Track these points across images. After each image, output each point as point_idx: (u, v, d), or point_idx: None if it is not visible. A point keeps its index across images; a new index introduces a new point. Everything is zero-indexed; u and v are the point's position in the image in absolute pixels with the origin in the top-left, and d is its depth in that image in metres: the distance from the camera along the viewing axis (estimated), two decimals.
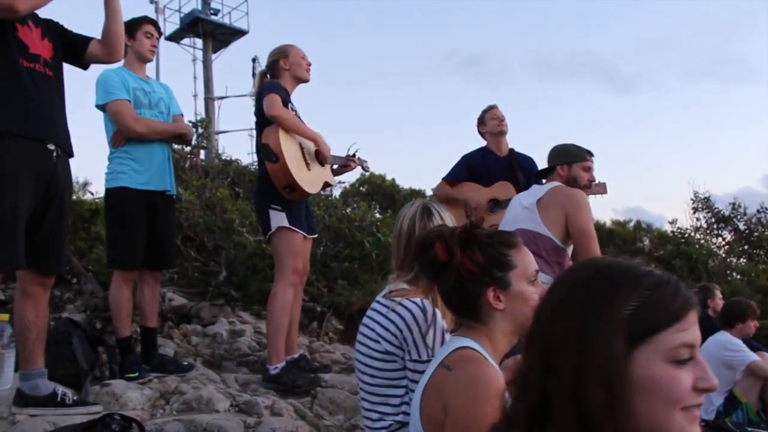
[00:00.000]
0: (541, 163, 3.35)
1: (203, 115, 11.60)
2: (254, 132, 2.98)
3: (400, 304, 1.52)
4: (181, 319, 3.84)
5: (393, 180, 8.35)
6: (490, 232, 1.29)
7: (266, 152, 2.73)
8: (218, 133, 13.10)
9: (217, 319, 3.86)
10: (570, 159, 2.55)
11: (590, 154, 2.57)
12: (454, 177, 3.46)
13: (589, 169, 2.55)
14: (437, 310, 1.48)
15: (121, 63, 2.83)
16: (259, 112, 2.82)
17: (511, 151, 3.55)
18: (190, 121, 5.17)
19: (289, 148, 2.75)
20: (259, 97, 2.82)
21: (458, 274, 1.24)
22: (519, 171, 3.46)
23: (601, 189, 3.11)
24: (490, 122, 3.55)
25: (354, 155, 3.20)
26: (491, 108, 3.60)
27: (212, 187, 5.01)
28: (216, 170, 5.94)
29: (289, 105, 2.89)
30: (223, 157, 7.07)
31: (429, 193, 8.70)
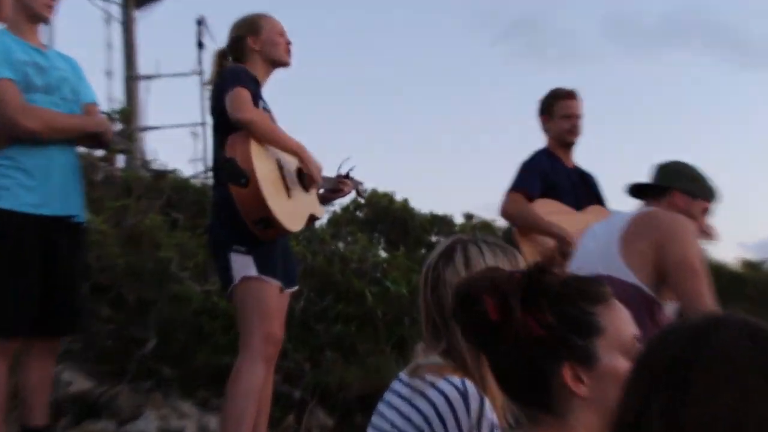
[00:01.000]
0: (610, 186, 3.64)
1: (123, 102, 11.63)
2: (201, 130, 3.02)
3: (432, 385, 1.54)
4: (86, 413, 3.82)
5: (405, 201, 8.36)
6: (565, 279, 1.26)
7: (231, 171, 2.79)
8: (146, 129, 13.20)
9: (142, 412, 3.84)
10: (697, 192, 2.63)
11: (717, 195, 2.68)
12: (533, 188, 3.54)
13: (706, 213, 2.65)
14: (485, 397, 1.51)
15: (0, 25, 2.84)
16: (220, 111, 2.86)
17: (575, 165, 3.73)
18: (104, 113, 5.16)
19: (264, 167, 2.81)
20: (220, 90, 2.88)
21: (518, 342, 1.22)
22: (588, 191, 3.66)
23: (709, 233, 3.20)
24: (561, 120, 3.66)
25: (347, 175, 3.31)
26: (568, 96, 3.69)
27: (137, 210, 5.03)
28: (143, 185, 5.93)
29: (260, 103, 2.95)
30: (154, 166, 7.06)
31: (459, 220, 8.71)
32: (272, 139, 2.86)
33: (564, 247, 3.36)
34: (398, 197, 8.25)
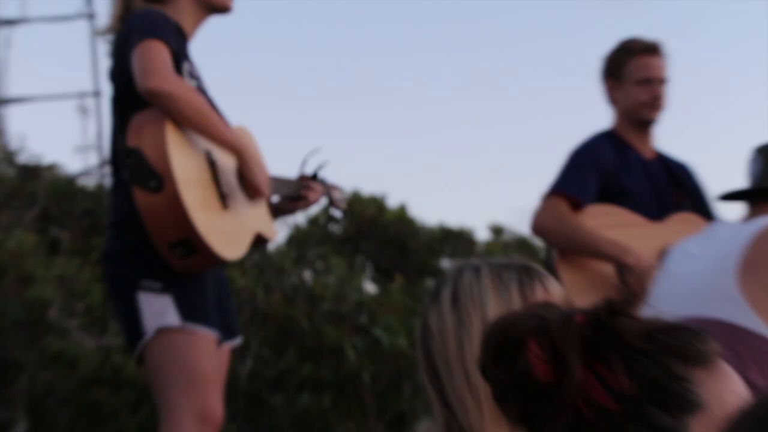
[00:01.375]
0: (716, 175, 3.66)
1: None
2: (94, 103, 3.05)
3: None
4: None
5: (402, 208, 8.42)
6: (649, 327, 1.27)
7: (135, 168, 2.81)
8: (7, 102, 13.18)
9: None
10: None
11: None
12: (581, 191, 3.61)
13: None
14: None
15: None
16: (122, 75, 2.89)
17: (659, 153, 3.80)
18: None
19: (186, 163, 2.85)
20: (123, 43, 2.89)
21: (579, 415, 1.23)
22: (679, 191, 3.72)
23: None
24: (636, 87, 3.71)
25: (314, 176, 3.36)
26: (647, 50, 3.73)
27: None
28: (5, 189, 5.90)
29: (185, 65, 2.99)
30: (21, 160, 7.07)
31: (482, 235, 8.73)
32: (200, 124, 2.88)
33: (629, 275, 3.40)
34: (392, 203, 8.28)
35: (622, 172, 3.65)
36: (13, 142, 7.96)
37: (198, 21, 3.10)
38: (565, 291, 1.79)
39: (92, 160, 13.27)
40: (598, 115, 3.85)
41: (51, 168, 6.74)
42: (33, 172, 6.36)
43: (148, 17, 2.89)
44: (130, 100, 2.85)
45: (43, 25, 14.56)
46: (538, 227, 3.62)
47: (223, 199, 2.93)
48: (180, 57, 2.92)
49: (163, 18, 2.93)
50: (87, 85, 14.29)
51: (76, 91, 14.47)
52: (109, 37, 3.03)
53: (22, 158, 6.91)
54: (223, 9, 3.12)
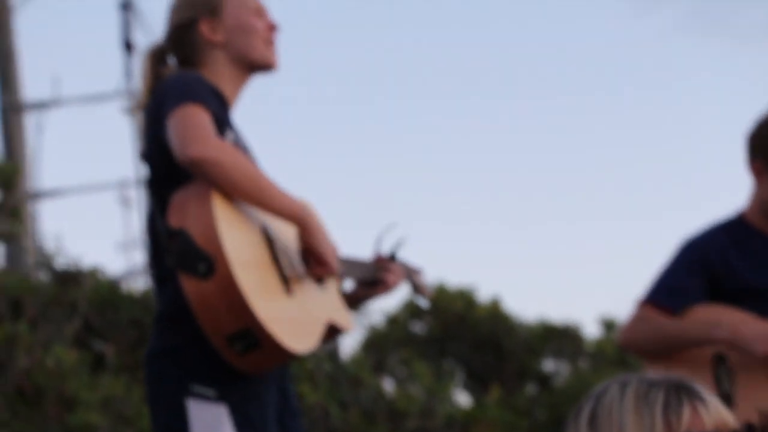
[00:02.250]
0: None
1: None
2: (137, 192, 3.06)
3: None
4: None
5: (495, 302, 8.37)
6: None
7: (181, 251, 2.80)
8: (40, 196, 13.41)
9: None
10: None
11: None
12: (677, 300, 3.60)
13: None
14: None
15: None
16: (157, 152, 2.93)
17: None
18: None
19: (239, 241, 2.85)
20: (156, 114, 2.91)
21: None
22: None
23: None
24: None
25: (393, 257, 3.35)
26: None
27: (32, 342, 5.13)
28: (41, 298, 5.97)
29: (229, 133, 2.99)
30: (59, 263, 7.16)
31: (591, 331, 8.59)
32: (253, 192, 2.86)
33: (730, 353, 3.38)
34: (483, 296, 8.22)
35: (745, 266, 3.61)
36: (49, 243, 8.08)
37: (240, 83, 3.11)
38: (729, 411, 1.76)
39: (137, 258, 13.39)
40: (728, 196, 3.80)
41: (92, 272, 6.78)
42: (72, 278, 6.40)
43: (183, 80, 2.92)
44: (170, 178, 2.84)
45: (78, 105, 14.90)
46: (625, 342, 3.64)
47: (286, 282, 2.91)
48: (222, 125, 2.91)
49: (200, 80, 2.92)
50: (128, 172, 14.53)
51: (117, 179, 14.73)
52: (143, 113, 3.03)
53: (59, 261, 6.98)
54: (267, 67, 3.10)
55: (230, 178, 2.81)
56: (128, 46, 14.26)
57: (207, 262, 2.73)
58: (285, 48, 3.22)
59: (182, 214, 2.80)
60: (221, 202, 2.82)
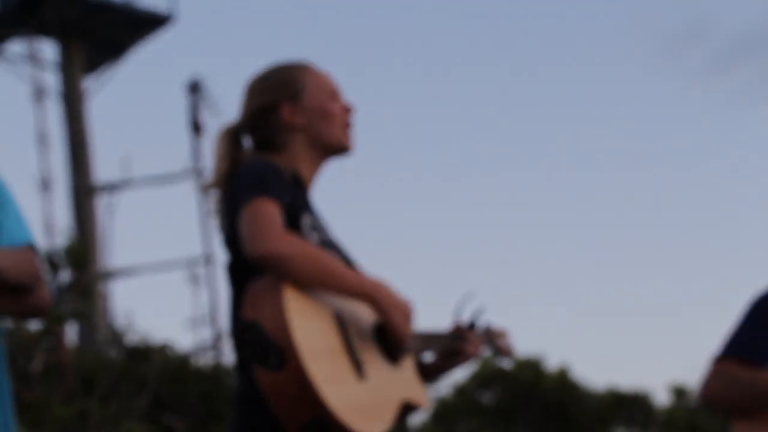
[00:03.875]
0: None
1: (70, 234, 12.09)
2: (205, 269, 3.07)
3: None
4: None
5: (564, 371, 8.31)
6: None
7: (253, 344, 2.81)
8: (112, 276, 13.44)
9: None
10: None
11: None
12: (758, 351, 3.55)
13: None
14: None
15: None
16: (234, 241, 2.94)
17: None
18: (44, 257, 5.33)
19: (311, 331, 2.85)
20: (231, 205, 2.95)
21: None
22: None
23: None
24: None
25: (472, 326, 3.32)
26: None
27: (104, 418, 5.13)
28: (112, 374, 6.01)
29: (305, 218, 3.03)
30: (129, 340, 7.22)
31: (662, 398, 8.47)
32: (323, 279, 2.86)
33: None
34: (551, 364, 8.17)
35: None
36: (120, 320, 8.17)
37: (317, 166, 3.12)
38: None
39: (205, 333, 13.43)
40: None
41: (161, 348, 6.82)
42: (142, 354, 6.44)
43: (258, 171, 2.91)
44: (248, 266, 2.85)
45: (147, 186, 15.08)
46: (706, 396, 3.59)
47: (359, 366, 2.89)
48: (298, 210, 2.94)
49: (275, 170, 2.91)
50: (197, 250, 14.63)
51: (185, 257, 14.83)
52: (215, 194, 3.05)
53: (130, 338, 7.03)
54: (343, 150, 3.12)
55: (298, 271, 2.80)
56: (196, 127, 14.44)
57: (278, 353, 2.74)
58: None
59: (255, 306, 2.82)
60: (293, 292, 2.83)
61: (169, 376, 6.15)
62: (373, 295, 2.91)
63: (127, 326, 7.37)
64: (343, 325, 2.91)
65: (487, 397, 8.20)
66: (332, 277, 2.87)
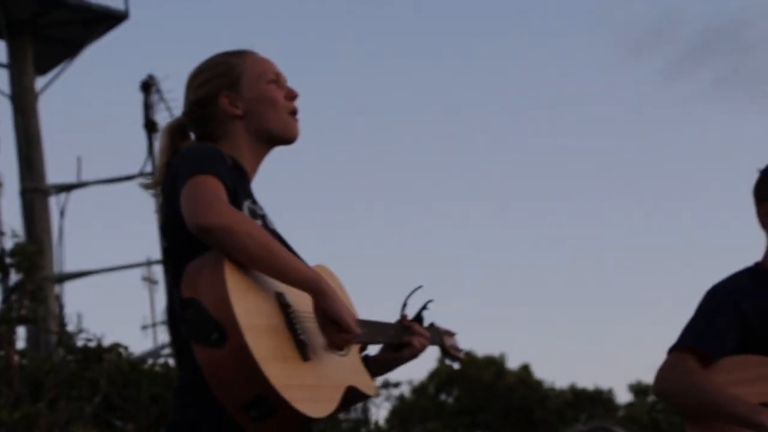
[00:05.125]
0: None
1: (19, 236, 11.96)
2: (163, 272, 3.02)
3: None
4: None
5: (525, 369, 8.35)
6: None
7: (193, 321, 2.78)
8: (63, 279, 13.42)
9: None
10: None
11: None
12: (712, 344, 3.59)
13: None
14: None
15: None
16: (172, 224, 2.94)
17: None
18: None
19: (251, 308, 2.82)
20: (169, 188, 2.95)
21: None
22: None
23: None
24: None
25: (420, 317, 3.32)
26: None
27: (52, 421, 5.11)
28: (62, 377, 5.96)
29: (246, 204, 3.03)
30: (80, 342, 7.14)
31: (623, 397, 8.49)
32: (265, 260, 2.84)
33: None
34: (513, 363, 8.17)
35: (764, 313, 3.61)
36: (70, 322, 8.06)
37: (259, 155, 3.14)
38: None
39: (162, 337, 13.40)
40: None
41: (112, 350, 6.76)
42: (93, 356, 6.38)
43: (196, 152, 2.93)
44: (186, 250, 2.85)
45: (99, 187, 15.02)
46: (659, 388, 3.64)
47: (302, 348, 2.89)
48: (239, 196, 2.94)
49: (215, 152, 2.92)
50: (153, 252, 14.62)
51: (141, 260, 14.81)
52: (161, 187, 3.05)
53: (80, 341, 6.94)
54: (287, 140, 3.13)
55: (240, 246, 2.79)
56: (150, 126, 14.41)
57: (219, 330, 2.72)
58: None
59: (195, 284, 2.80)
60: (234, 270, 2.82)
61: (121, 378, 6.07)
62: (317, 282, 2.89)
63: (79, 329, 7.27)
64: (285, 306, 2.90)
65: (447, 396, 8.23)
66: (276, 259, 2.85)
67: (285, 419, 2.77)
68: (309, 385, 2.85)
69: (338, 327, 2.92)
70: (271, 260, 2.84)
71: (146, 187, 3.12)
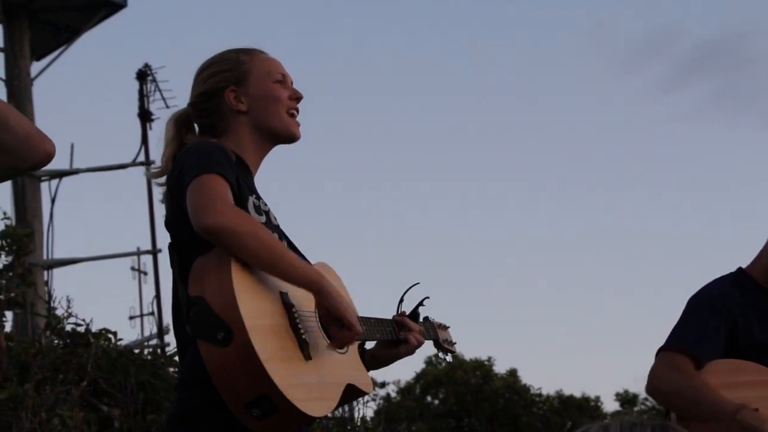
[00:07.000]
0: None
1: (9, 220, 11.94)
2: (152, 262, 3.02)
3: None
4: None
5: (513, 373, 8.36)
6: None
7: (200, 319, 2.82)
8: (52, 265, 13.41)
9: None
10: None
11: None
12: (702, 346, 3.61)
13: None
14: None
15: None
16: (177, 220, 2.95)
17: None
18: None
19: (256, 309, 2.85)
20: (178, 182, 2.95)
21: None
22: None
23: None
24: None
25: (416, 314, 3.35)
26: None
27: (38, 404, 5.11)
28: (49, 361, 5.96)
29: (251, 200, 3.04)
30: (68, 327, 7.13)
31: (610, 404, 8.52)
32: (269, 260, 2.87)
33: None
34: (500, 368, 8.18)
35: (755, 322, 3.63)
36: (59, 307, 8.06)
37: (262, 152, 3.16)
38: None
39: (150, 326, 13.36)
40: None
41: (100, 335, 6.75)
42: (80, 340, 6.36)
43: (203, 150, 2.94)
44: (190, 245, 2.88)
45: (92, 175, 14.93)
46: (652, 388, 3.64)
47: (305, 347, 2.91)
48: (243, 192, 2.96)
49: (220, 150, 2.95)
50: (144, 242, 14.54)
51: (130, 249, 14.72)
52: (163, 180, 3.09)
53: (68, 326, 6.92)
54: (289, 139, 3.17)
55: (245, 247, 2.81)
56: (144, 115, 14.33)
57: (225, 329, 2.74)
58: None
59: (201, 283, 2.83)
60: (240, 269, 2.84)
61: (109, 364, 6.06)
62: (319, 282, 2.92)
63: (68, 313, 7.24)
64: (288, 306, 2.92)
65: (434, 400, 8.22)
66: (279, 259, 2.88)
67: (287, 418, 2.80)
68: (311, 385, 2.88)
69: (340, 325, 2.96)
70: (274, 260, 2.87)
71: (152, 176, 3.18)
